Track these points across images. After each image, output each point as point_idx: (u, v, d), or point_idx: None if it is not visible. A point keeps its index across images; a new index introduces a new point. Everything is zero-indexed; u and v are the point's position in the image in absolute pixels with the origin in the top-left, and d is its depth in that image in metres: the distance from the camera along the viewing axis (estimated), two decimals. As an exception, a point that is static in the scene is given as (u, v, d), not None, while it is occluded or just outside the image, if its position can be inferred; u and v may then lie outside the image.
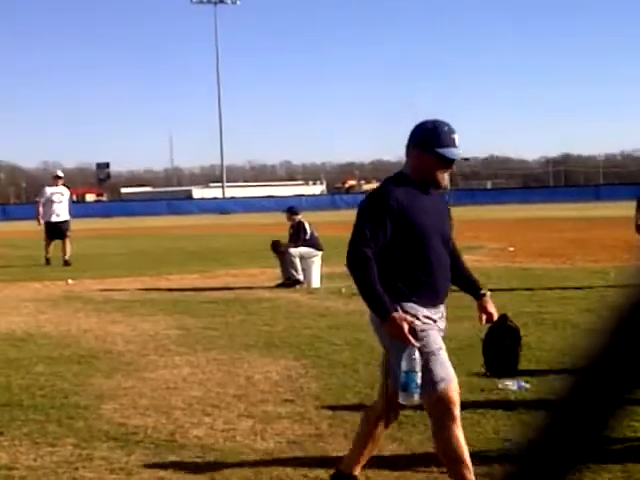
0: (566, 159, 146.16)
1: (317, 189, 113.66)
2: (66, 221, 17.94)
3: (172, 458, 4.50)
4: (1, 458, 4.58)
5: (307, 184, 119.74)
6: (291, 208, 13.23)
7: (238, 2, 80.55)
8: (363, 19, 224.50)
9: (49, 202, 17.92)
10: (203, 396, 5.87)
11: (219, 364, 6.97)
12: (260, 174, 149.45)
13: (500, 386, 5.77)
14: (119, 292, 12.44)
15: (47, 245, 17.87)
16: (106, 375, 6.63)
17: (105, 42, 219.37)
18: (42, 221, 17.88)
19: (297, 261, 12.40)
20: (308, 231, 12.73)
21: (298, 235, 12.67)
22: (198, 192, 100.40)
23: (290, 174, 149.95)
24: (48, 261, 17.59)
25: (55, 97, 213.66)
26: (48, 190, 18.16)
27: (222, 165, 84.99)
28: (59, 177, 18.70)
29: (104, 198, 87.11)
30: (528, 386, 5.74)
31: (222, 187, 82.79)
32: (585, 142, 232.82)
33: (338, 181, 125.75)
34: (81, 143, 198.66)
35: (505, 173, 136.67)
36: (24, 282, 14.19)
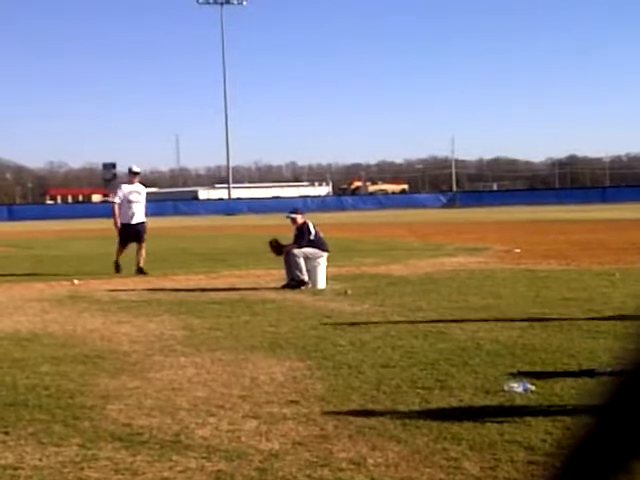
0: (572, 161, 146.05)
1: (323, 190, 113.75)
2: (143, 223, 15.87)
3: (177, 458, 4.50)
4: (7, 458, 4.59)
5: (313, 185, 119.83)
6: (295, 210, 13.23)
7: (244, 3, 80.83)
8: (368, 19, 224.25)
9: (126, 202, 15.67)
10: (208, 397, 5.88)
11: (224, 365, 6.97)
12: (266, 175, 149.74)
13: (505, 388, 5.76)
14: (125, 292, 12.46)
15: (120, 250, 15.72)
16: (111, 375, 6.63)
17: (111, 42, 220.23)
18: (119, 223, 15.70)
19: (302, 262, 12.37)
20: (313, 232, 12.70)
21: (302, 236, 12.65)
22: (204, 193, 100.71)
23: (296, 175, 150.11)
24: (118, 268, 15.43)
25: (61, 97, 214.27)
26: (125, 188, 15.90)
27: (228, 166, 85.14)
28: (136, 173, 16.20)
29: (110, 198, 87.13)
30: (533, 388, 5.72)
31: (228, 188, 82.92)
32: (591, 144, 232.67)
33: (344, 182, 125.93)
34: (87, 143, 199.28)
35: (511, 175, 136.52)
36: (29, 282, 14.22)
